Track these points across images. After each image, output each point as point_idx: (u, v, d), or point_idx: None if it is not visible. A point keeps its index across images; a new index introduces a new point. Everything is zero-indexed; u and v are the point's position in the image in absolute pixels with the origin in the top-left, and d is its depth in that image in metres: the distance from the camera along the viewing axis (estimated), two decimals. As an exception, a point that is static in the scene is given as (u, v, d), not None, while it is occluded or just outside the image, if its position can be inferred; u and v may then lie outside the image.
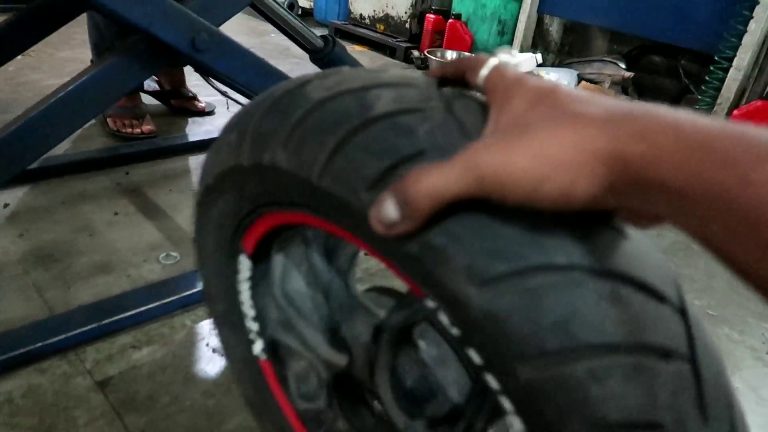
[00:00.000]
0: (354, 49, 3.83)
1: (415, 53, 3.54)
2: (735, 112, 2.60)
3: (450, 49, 3.46)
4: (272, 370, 0.66)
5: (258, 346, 0.64)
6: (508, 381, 0.32)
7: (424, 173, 0.31)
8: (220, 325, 0.69)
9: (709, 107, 2.86)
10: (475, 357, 0.34)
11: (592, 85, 3.17)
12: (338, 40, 1.62)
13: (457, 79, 0.40)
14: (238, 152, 0.46)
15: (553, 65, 3.60)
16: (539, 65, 3.34)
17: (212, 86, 1.61)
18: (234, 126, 0.48)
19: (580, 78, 3.23)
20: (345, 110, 0.37)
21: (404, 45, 3.63)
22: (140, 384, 0.97)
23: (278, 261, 0.60)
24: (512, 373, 0.31)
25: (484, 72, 0.37)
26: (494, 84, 0.36)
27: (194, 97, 2.15)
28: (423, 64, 3.44)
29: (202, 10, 1.02)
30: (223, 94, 1.61)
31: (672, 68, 3.24)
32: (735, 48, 2.71)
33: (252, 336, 0.64)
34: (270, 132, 0.42)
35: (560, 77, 3.22)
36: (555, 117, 0.30)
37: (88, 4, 0.94)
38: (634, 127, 0.27)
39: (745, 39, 2.67)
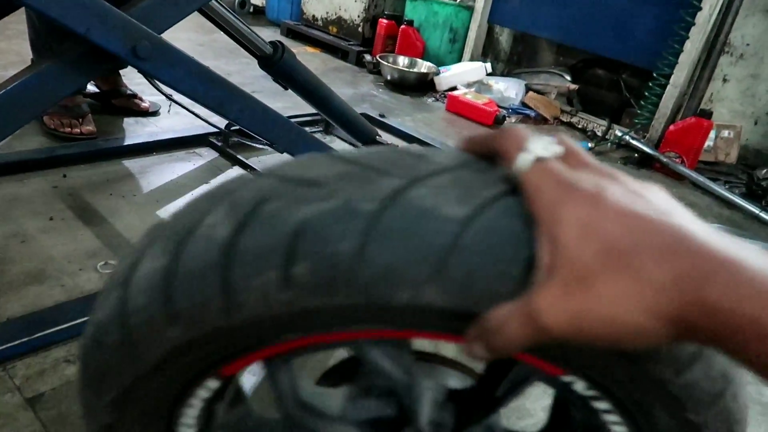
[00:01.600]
0: (306, 51, 3.81)
1: (368, 57, 3.55)
2: (671, 127, 2.73)
3: (402, 54, 3.49)
4: None
5: None
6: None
7: (503, 329, 0.32)
8: None
9: (647, 121, 2.99)
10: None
11: (539, 95, 3.26)
12: (288, 47, 1.61)
13: (487, 154, 0.38)
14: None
15: (502, 74, 3.68)
16: (489, 74, 3.41)
17: (155, 87, 1.57)
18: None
19: (528, 88, 3.31)
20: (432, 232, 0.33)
21: (357, 49, 3.63)
22: (74, 400, 0.94)
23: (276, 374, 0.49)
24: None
25: (522, 164, 0.34)
26: (537, 188, 0.33)
27: (135, 96, 2.10)
28: (375, 69, 3.45)
29: (144, 16, 1.00)
30: (168, 97, 1.57)
31: (614, 82, 3.36)
32: (672, 66, 2.84)
33: None
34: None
35: (509, 86, 3.29)
36: (614, 268, 0.29)
37: (19, 2, 0.90)
38: (701, 294, 0.27)
39: (682, 58, 2.80)
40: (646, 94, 2.95)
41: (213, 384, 0.44)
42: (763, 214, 2.32)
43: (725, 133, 2.81)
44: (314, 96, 1.76)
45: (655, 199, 0.31)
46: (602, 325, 0.29)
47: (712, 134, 2.75)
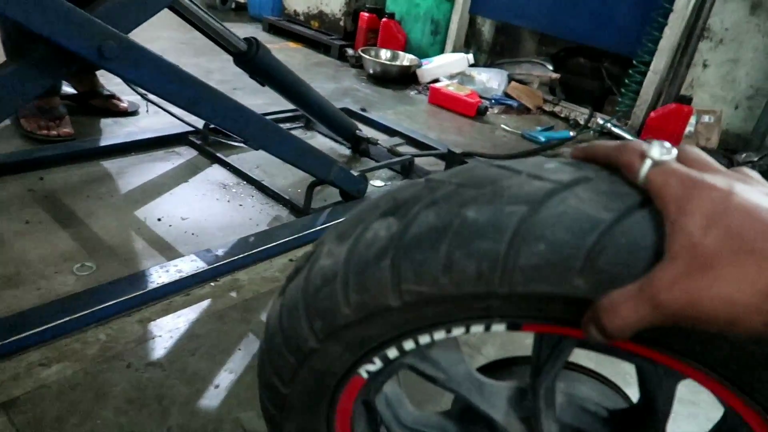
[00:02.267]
0: (288, 46, 3.80)
1: (350, 51, 3.54)
2: (652, 113, 2.74)
3: (384, 47, 3.48)
4: None
5: None
6: None
7: (617, 308, 0.34)
8: None
9: (629, 108, 3.00)
10: None
11: (522, 85, 3.26)
12: (263, 43, 1.60)
13: (605, 164, 0.40)
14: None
15: (485, 65, 3.68)
16: (471, 65, 3.41)
17: (130, 86, 1.56)
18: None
19: (510, 78, 3.32)
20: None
21: (339, 43, 3.62)
22: (48, 404, 0.94)
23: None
24: None
25: (645, 169, 0.36)
26: (662, 188, 0.35)
27: (113, 96, 2.08)
28: (357, 63, 3.44)
29: (109, 16, 0.99)
30: (143, 96, 1.56)
31: (596, 70, 3.37)
32: (652, 53, 2.84)
33: None
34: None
35: (491, 77, 3.29)
36: (737, 251, 0.30)
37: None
38: None
39: (661, 44, 2.81)
40: (627, 81, 2.96)
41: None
42: (743, 198, 2.34)
43: (706, 118, 2.82)
44: (291, 92, 1.76)
45: None
46: (721, 305, 0.30)
47: (692, 120, 2.76)
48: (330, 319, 0.44)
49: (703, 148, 2.84)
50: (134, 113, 2.13)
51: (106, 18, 1.00)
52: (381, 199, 0.45)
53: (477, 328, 0.43)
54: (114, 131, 1.97)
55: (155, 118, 2.08)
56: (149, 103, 1.64)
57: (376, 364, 0.47)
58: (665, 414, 0.50)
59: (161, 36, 3.28)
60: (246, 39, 1.58)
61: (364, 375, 0.48)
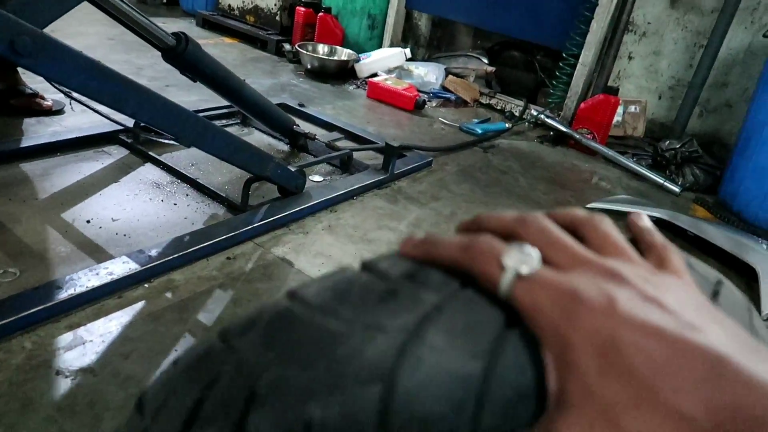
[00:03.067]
0: (224, 42, 3.72)
1: (287, 46, 3.50)
2: (582, 104, 2.84)
3: (322, 42, 3.47)
4: None
5: None
6: None
7: None
8: None
9: (560, 99, 3.10)
10: None
11: (459, 79, 3.32)
12: (192, 38, 1.57)
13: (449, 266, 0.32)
14: None
15: (423, 59, 3.72)
16: (409, 59, 3.44)
17: (52, 84, 1.50)
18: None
19: (447, 72, 3.37)
20: None
21: (275, 38, 3.58)
22: (-31, 417, 0.90)
23: None
24: None
25: (506, 283, 0.29)
26: (534, 311, 0.29)
27: (37, 94, 1.99)
28: (295, 58, 3.42)
29: (22, 11, 0.95)
30: (66, 94, 1.50)
31: (529, 63, 3.47)
32: (580, 46, 2.95)
33: None
34: None
35: (429, 71, 3.33)
36: (641, 403, 0.25)
37: None
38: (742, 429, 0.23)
39: (589, 38, 2.91)
40: (558, 73, 3.06)
41: None
42: (667, 183, 2.46)
43: (632, 108, 2.95)
44: (224, 87, 1.73)
45: (675, 304, 0.27)
46: None
47: (620, 110, 2.88)
48: None
49: (631, 137, 2.97)
50: (59, 112, 2.04)
51: (19, 12, 0.95)
52: (182, 387, 0.33)
53: None
54: (37, 131, 1.89)
55: (82, 117, 2.00)
56: (74, 102, 1.58)
57: None
58: None
59: (87, 31, 3.15)
60: (174, 34, 1.54)
61: None
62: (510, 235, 0.32)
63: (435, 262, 0.33)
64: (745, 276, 1.80)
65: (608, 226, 0.32)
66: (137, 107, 1.19)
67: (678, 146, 2.59)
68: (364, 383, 0.29)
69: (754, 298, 1.70)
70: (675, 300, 0.27)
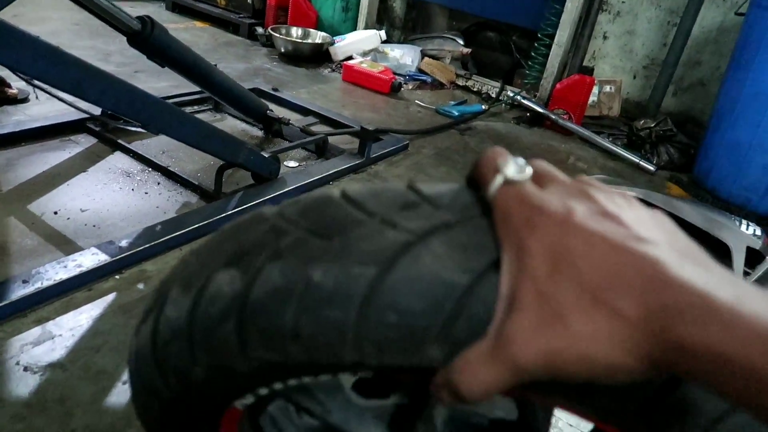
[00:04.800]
0: (195, 26, 3.64)
1: (260, 30, 3.44)
2: (558, 85, 2.84)
3: (295, 25, 3.41)
4: None
5: None
6: None
7: (472, 371, 0.30)
8: None
9: (536, 80, 3.09)
10: None
11: (435, 61, 3.29)
12: (158, 21, 1.52)
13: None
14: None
15: (398, 42, 3.68)
16: (384, 42, 3.40)
17: (14, 72, 1.45)
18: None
19: (423, 54, 3.34)
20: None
21: (248, 21, 3.51)
22: (-67, 418, 0.87)
23: None
24: None
25: (494, 187, 0.33)
26: (504, 212, 0.32)
27: (2, 82, 1.93)
28: (268, 41, 3.36)
29: (-27, -6, 0.91)
30: (28, 81, 1.45)
31: (505, 44, 3.45)
32: (555, 26, 2.94)
33: None
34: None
35: (405, 53, 3.30)
36: (586, 304, 0.28)
37: None
38: (674, 331, 0.26)
39: (563, 18, 2.91)
40: (534, 54, 3.05)
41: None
42: (642, 162, 2.48)
43: (607, 88, 2.96)
44: (193, 72, 1.69)
45: (629, 219, 0.29)
46: (577, 362, 0.28)
47: (595, 90, 2.89)
48: (183, 376, 0.40)
49: (606, 117, 2.98)
50: (24, 100, 1.98)
51: (-31, -5, 0.91)
52: (225, 238, 0.40)
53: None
54: (0, 120, 1.83)
55: (48, 106, 1.94)
56: (37, 90, 1.53)
57: (248, 399, 0.44)
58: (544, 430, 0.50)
59: (51, 17, 3.05)
60: (139, 18, 1.49)
61: (239, 407, 0.45)
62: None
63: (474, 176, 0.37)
64: (718, 252, 1.82)
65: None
66: (100, 94, 1.15)
67: (652, 125, 2.61)
68: (363, 263, 0.33)
69: (727, 273, 1.72)
70: (633, 216, 0.30)
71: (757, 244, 1.77)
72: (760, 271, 1.70)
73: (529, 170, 0.33)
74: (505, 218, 0.32)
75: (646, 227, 0.29)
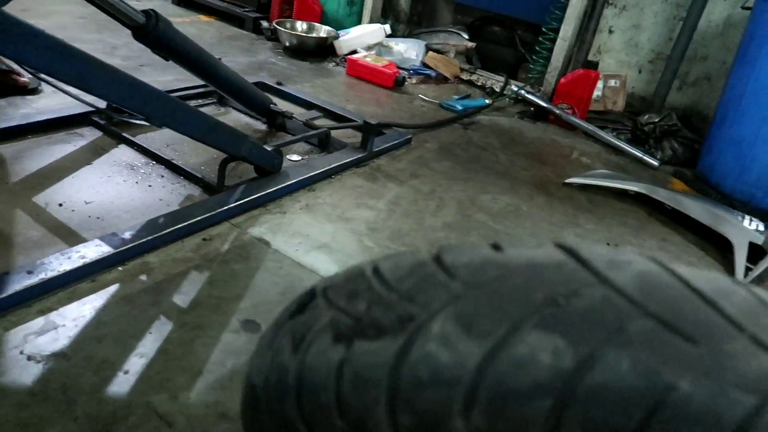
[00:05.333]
0: (200, 19, 3.65)
1: (265, 24, 3.44)
2: (562, 79, 2.83)
3: (300, 19, 3.41)
4: None
5: None
6: None
7: None
8: None
9: (540, 75, 3.09)
10: None
11: (439, 55, 3.29)
12: (162, 15, 1.53)
13: None
14: None
15: (403, 36, 3.68)
16: (388, 36, 3.40)
17: (20, 65, 1.46)
18: None
19: (428, 48, 3.33)
20: None
21: (253, 15, 3.51)
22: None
23: None
24: None
25: None
26: None
27: (12, 71, 1.94)
28: (273, 35, 3.36)
29: (-22, -13, 0.92)
30: (33, 73, 1.47)
31: (510, 38, 3.44)
32: (560, 20, 2.93)
33: None
34: None
35: (409, 47, 3.30)
36: None
37: None
38: None
39: (568, 12, 2.90)
40: (538, 48, 3.04)
41: None
42: (645, 157, 2.48)
43: (612, 82, 2.95)
44: (197, 66, 1.70)
45: None
46: None
47: (600, 84, 2.88)
48: (431, 426, 0.34)
49: (611, 111, 2.97)
50: (35, 90, 1.99)
51: (-26, -11, 0.92)
52: (535, 284, 0.34)
53: None
54: (7, 113, 1.84)
55: (54, 99, 1.96)
56: (43, 82, 1.54)
57: None
58: None
59: (60, 10, 3.07)
60: (144, 11, 1.50)
61: None
62: None
63: None
64: (721, 248, 1.82)
65: None
66: (105, 88, 1.17)
67: (657, 120, 2.60)
68: (743, 389, 0.28)
69: (729, 269, 1.73)
70: None
71: (760, 240, 1.77)
72: (762, 266, 1.70)
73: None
74: None
75: None
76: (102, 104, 1.79)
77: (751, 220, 1.85)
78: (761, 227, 1.82)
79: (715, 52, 2.83)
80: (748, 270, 1.69)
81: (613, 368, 0.29)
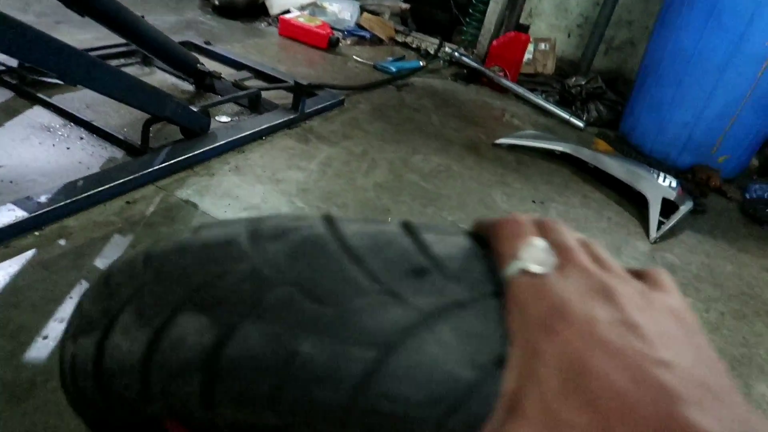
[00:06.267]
0: None
1: None
2: (494, 42, 2.87)
3: None
4: None
5: None
6: None
7: None
8: None
9: (474, 37, 3.11)
10: None
11: (374, 16, 3.25)
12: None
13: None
14: None
15: (337, -5, 3.61)
16: (322, -5, 3.33)
17: None
18: None
19: (362, 9, 3.29)
20: None
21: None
22: None
23: None
24: None
25: (510, 271, 0.30)
26: (520, 306, 0.29)
27: None
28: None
29: None
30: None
31: (444, 1, 3.44)
32: (492, -18, 2.95)
33: None
34: None
35: (343, 8, 3.25)
36: (595, 431, 0.24)
37: None
38: None
39: (500, -27, 2.91)
40: (471, 11, 3.06)
41: None
42: (572, 119, 2.56)
43: (542, 45, 3.01)
44: (117, 23, 1.63)
45: (651, 332, 0.27)
46: None
47: (530, 47, 2.94)
48: (131, 407, 0.36)
49: (541, 74, 3.04)
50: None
51: None
52: (192, 261, 0.34)
53: None
54: None
55: (-41, 57, 1.83)
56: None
57: None
58: None
59: (-38, -39, 2.83)
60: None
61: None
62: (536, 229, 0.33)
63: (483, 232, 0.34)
64: (638, 204, 1.93)
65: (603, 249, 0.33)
66: (11, 42, 1.10)
67: (583, 83, 2.69)
68: (363, 344, 0.29)
69: (645, 223, 1.83)
70: (655, 328, 0.27)
71: (672, 195, 1.88)
72: (673, 220, 1.81)
73: (551, 260, 0.30)
74: (519, 310, 0.29)
75: (668, 343, 0.27)
76: (13, 63, 1.69)
77: (665, 177, 1.96)
78: (674, 184, 1.93)
79: (639, 18, 2.93)
80: (660, 223, 1.80)
81: (245, 341, 0.30)
